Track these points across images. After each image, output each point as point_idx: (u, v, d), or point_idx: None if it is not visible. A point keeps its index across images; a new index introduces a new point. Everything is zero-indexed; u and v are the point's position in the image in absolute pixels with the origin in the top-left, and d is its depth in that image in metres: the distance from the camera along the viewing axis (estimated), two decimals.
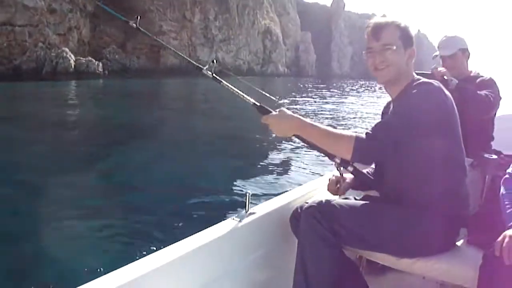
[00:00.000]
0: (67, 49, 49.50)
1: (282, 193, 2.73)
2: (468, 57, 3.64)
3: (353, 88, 56.63)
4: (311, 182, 2.97)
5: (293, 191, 2.76)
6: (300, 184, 2.97)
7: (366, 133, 2.05)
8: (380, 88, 49.93)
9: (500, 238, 1.84)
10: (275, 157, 9.50)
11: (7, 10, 50.18)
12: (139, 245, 5.07)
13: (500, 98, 3.43)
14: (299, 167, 8.94)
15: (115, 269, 1.71)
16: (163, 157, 10.39)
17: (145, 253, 2.04)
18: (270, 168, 8.99)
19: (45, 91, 32.05)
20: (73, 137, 13.13)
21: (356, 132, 2.10)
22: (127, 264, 1.76)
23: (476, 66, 3.21)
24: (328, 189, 2.59)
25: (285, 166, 9.15)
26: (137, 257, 1.84)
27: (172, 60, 67.37)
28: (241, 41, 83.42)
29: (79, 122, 16.54)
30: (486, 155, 3.02)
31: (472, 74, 3.62)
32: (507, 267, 1.78)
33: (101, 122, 16.72)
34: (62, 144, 11.73)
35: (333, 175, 2.60)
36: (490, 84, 3.48)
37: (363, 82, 78.10)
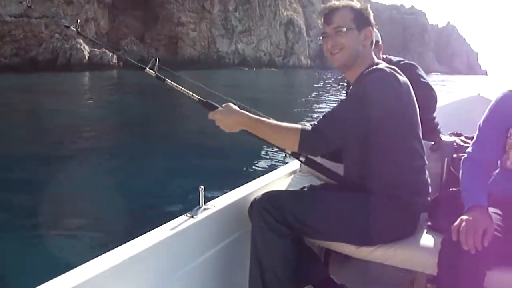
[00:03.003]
0: (81, 41, 49.53)
1: (239, 186, 2.64)
2: (382, 48, 3.45)
3: None
4: (268, 174, 2.91)
5: (250, 184, 2.70)
6: (257, 177, 2.85)
7: (312, 126, 2.05)
8: None
9: (457, 222, 1.85)
10: (230, 150, 9.29)
11: (24, 2, 50.50)
12: (88, 247, 4.95)
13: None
14: (255, 160, 8.72)
15: (63, 272, 1.65)
16: (113, 155, 10.10)
17: (95, 254, 1.82)
18: (225, 162, 8.82)
19: (51, 82, 32.14)
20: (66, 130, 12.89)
21: (303, 124, 2.09)
22: (76, 266, 1.69)
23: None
24: None
25: (241, 159, 9.01)
26: (87, 259, 1.75)
27: (191, 52, 67.26)
28: (262, 32, 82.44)
29: (74, 114, 16.35)
30: (444, 138, 2.97)
31: (385, 60, 3.28)
32: (466, 252, 1.78)
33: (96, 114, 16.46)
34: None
35: None
36: (413, 70, 3.33)
37: None
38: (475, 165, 2.15)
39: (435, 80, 65.17)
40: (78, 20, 3.16)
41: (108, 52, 49.90)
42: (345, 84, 3.33)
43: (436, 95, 3.30)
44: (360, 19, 2.17)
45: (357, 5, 2.19)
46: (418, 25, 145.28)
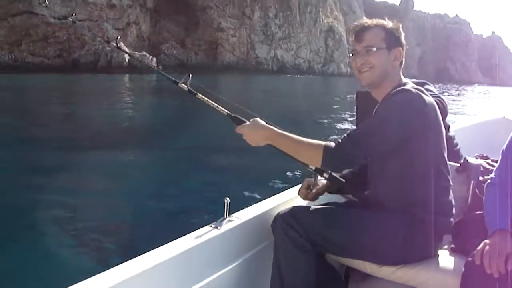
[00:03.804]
0: (121, 43, 50.26)
1: (263, 199, 2.66)
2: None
3: None
4: (293, 188, 2.87)
5: (274, 198, 2.72)
6: (282, 191, 2.87)
7: (336, 143, 2.08)
8: (458, 95, 48.54)
9: (480, 246, 1.86)
10: (256, 163, 9.08)
11: (68, 5, 52.04)
12: (115, 252, 4.93)
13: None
14: (280, 174, 8.50)
15: (88, 276, 1.69)
16: (141, 160, 10.11)
17: (120, 260, 1.84)
18: (251, 175, 8.75)
19: (89, 83, 32.72)
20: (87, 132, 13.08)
21: (327, 140, 2.13)
22: (100, 272, 1.72)
23: None
24: (299, 193, 2.61)
25: (266, 173, 8.77)
26: (110, 266, 1.77)
27: (230, 57, 67.68)
28: (301, 39, 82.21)
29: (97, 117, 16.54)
30: (470, 160, 2.89)
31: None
32: (489, 276, 1.79)
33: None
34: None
35: (305, 180, 2.61)
36: (424, 87, 3.00)
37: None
38: (498, 191, 2.14)
39: (473, 90, 63.50)
40: (119, 37, 3.65)
41: (148, 55, 50.48)
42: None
43: (446, 109, 3.20)
44: (391, 39, 2.19)
45: (389, 24, 2.20)
46: (461, 35, 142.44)
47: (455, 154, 3.32)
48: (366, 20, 2.23)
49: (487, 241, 1.88)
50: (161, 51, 59.94)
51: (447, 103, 3.18)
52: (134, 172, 8.79)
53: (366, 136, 2.08)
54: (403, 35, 2.25)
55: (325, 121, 17.74)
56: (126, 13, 56.81)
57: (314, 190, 2.56)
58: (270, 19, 75.83)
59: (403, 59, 2.25)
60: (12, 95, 23.93)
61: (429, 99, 2.13)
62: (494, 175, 2.20)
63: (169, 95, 23.50)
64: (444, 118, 3.01)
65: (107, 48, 49.08)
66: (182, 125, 15.78)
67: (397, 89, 2.15)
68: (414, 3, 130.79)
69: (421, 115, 2.08)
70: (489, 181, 2.22)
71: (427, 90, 2.98)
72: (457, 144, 3.55)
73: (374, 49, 2.15)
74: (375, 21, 2.21)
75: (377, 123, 2.10)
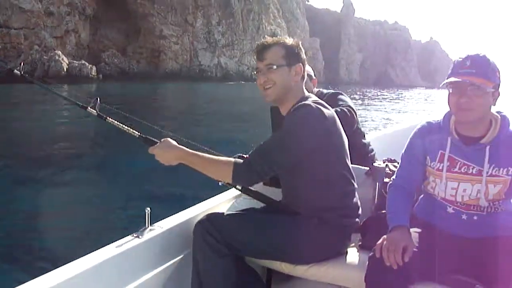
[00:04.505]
0: (59, 52, 49.19)
1: (185, 209, 2.73)
2: (316, 83, 3.73)
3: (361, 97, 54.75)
4: (213, 198, 3.01)
5: (195, 207, 2.79)
6: (202, 201, 2.95)
7: (244, 159, 2.23)
8: (399, 99, 49.51)
9: (380, 241, 2.04)
10: (176, 176, 9.20)
11: (3, 13, 50.40)
12: (31, 265, 4.90)
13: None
14: (200, 185, 8.56)
15: None
16: (58, 171, 10.21)
17: (39, 273, 1.85)
18: (172, 187, 8.85)
19: (21, 94, 31.68)
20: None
21: (236, 157, 2.32)
22: (20, 284, 1.72)
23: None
24: None
25: (187, 184, 8.79)
26: (32, 278, 1.80)
27: (173, 65, 67.20)
28: (245, 46, 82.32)
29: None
30: (376, 164, 3.15)
31: (317, 94, 3.67)
32: (388, 268, 1.95)
33: None
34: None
35: None
36: (338, 97, 3.59)
37: (370, 90, 76.00)
38: (398, 191, 2.36)
39: (412, 97, 65.25)
40: (22, 63, 3.57)
41: (87, 64, 49.52)
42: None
43: (355, 116, 3.43)
44: (291, 56, 2.31)
45: (289, 42, 2.34)
46: (401, 41, 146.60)
47: (369, 159, 3.65)
48: (267, 39, 2.36)
49: (385, 236, 2.07)
50: (101, 59, 58.75)
51: (356, 112, 3.43)
52: (55, 187, 8.75)
53: (271, 150, 2.22)
54: (303, 51, 2.37)
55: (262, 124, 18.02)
56: (65, 21, 55.34)
57: None
58: (213, 26, 75.77)
59: (305, 74, 2.39)
60: None
61: (328, 112, 2.29)
62: (396, 176, 2.43)
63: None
64: (353, 125, 3.46)
65: (45, 57, 47.82)
66: (102, 140, 15.69)
67: (299, 104, 2.28)
68: (354, 10, 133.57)
69: (321, 127, 2.22)
70: (391, 182, 2.43)
71: (340, 100, 3.53)
72: (372, 150, 3.85)
73: (274, 66, 2.29)
74: (275, 39, 2.34)
75: (280, 137, 2.24)
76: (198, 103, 30.74)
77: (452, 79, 2.09)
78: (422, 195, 2.44)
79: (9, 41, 48.83)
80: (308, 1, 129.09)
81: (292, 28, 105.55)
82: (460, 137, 2.20)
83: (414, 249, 2.04)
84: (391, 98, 53.00)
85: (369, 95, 57.25)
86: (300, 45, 2.37)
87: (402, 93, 72.18)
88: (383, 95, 60.10)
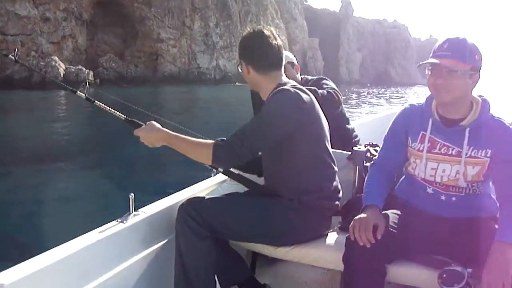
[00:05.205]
0: (56, 58, 49.05)
1: (169, 194, 2.78)
2: (298, 69, 3.81)
3: (363, 96, 54.34)
4: (199, 183, 3.05)
5: (180, 192, 2.84)
6: (186, 187, 3.00)
7: (224, 142, 2.29)
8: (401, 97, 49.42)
9: (352, 222, 2.12)
10: (160, 162, 9.58)
11: (0, 19, 50.12)
12: (18, 250, 5.14)
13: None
14: (183, 171, 9.01)
15: None
16: (41, 158, 10.71)
17: (21, 260, 1.86)
18: (157, 173, 9.24)
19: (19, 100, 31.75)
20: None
21: (216, 139, 2.36)
22: (4, 269, 1.76)
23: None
24: None
25: (173, 169, 9.20)
26: (15, 263, 1.81)
27: (171, 68, 67.03)
28: None
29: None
30: (357, 148, 3.19)
31: (302, 80, 3.80)
32: (363, 248, 2.03)
33: None
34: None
35: None
36: (322, 82, 3.66)
37: (373, 90, 75.71)
38: (378, 171, 2.44)
39: (416, 92, 65.07)
40: (16, 49, 3.63)
41: (84, 69, 49.33)
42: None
43: (340, 98, 3.51)
44: (239, 55, 2.61)
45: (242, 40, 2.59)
46: (401, 39, 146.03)
47: (353, 144, 3.68)
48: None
49: (356, 217, 2.14)
50: (99, 64, 58.64)
51: (340, 95, 3.50)
52: (37, 175, 9.17)
53: (250, 133, 2.29)
54: (247, 44, 2.55)
55: None
56: (61, 26, 55.16)
57: None
58: (211, 28, 75.50)
59: (269, 59, 2.51)
60: None
61: (307, 96, 2.39)
62: (377, 157, 2.52)
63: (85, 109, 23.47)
64: (338, 108, 3.55)
65: (41, 63, 47.69)
66: (86, 128, 16.93)
67: (277, 89, 2.40)
68: (353, 9, 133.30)
69: (299, 111, 2.31)
70: (372, 162, 2.53)
71: (325, 84, 3.63)
72: (356, 136, 3.97)
73: (239, 66, 2.60)
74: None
75: (259, 120, 2.34)
76: (197, 105, 30.89)
77: (429, 60, 2.18)
78: (403, 176, 2.50)
79: (5, 47, 48.57)
80: (306, 1, 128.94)
81: (291, 29, 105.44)
82: (441, 119, 2.26)
83: (392, 229, 2.14)
84: (390, 96, 52.87)
85: (367, 94, 57.10)
86: (243, 38, 2.57)
87: (400, 91, 72.12)
88: (383, 94, 59.96)
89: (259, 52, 2.50)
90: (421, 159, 2.28)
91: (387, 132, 2.47)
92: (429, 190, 2.30)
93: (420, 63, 2.20)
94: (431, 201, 2.30)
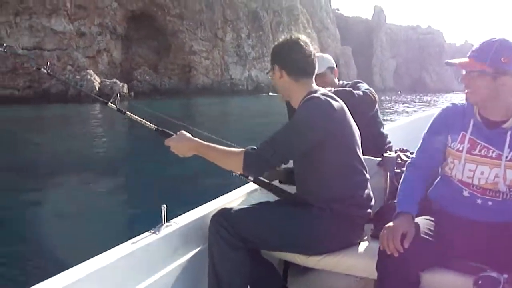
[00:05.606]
0: (91, 72, 50.03)
1: (200, 205, 2.79)
2: (337, 74, 3.83)
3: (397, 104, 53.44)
4: (230, 193, 3.07)
5: (212, 202, 2.86)
6: (217, 197, 3.01)
7: (254, 150, 2.28)
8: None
9: (382, 232, 2.07)
10: (192, 173, 9.57)
11: (36, 35, 51.66)
12: (49, 264, 5.14)
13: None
14: (214, 181, 8.93)
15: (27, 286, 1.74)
16: (74, 169, 10.79)
17: (56, 272, 1.89)
18: (189, 183, 9.23)
19: (57, 114, 32.54)
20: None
21: (247, 147, 2.32)
22: (37, 282, 1.77)
23: None
24: None
25: (204, 179, 9.23)
26: (50, 275, 1.84)
27: (204, 80, 67.56)
28: None
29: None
30: (387, 154, 3.14)
31: (340, 85, 3.78)
32: (396, 257, 1.98)
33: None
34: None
35: None
36: (358, 85, 3.65)
37: (408, 97, 74.53)
38: (415, 170, 2.37)
39: (451, 99, 63.59)
40: (48, 62, 3.78)
41: (118, 82, 50.13)
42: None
43: (376, 99, 3.51)
44: (272, 59, 2.55)
45: (275, 47, 2.55)
46: (435, 45, 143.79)
47: (386, 149, 3.60)
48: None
49: (386, 225, 2.10)
50: (134, 77, 59.60)
51: (376, 95, 3.49)
52: (71, 185, 9.24)
53: (280, 141, 2.29)
54: (282, 49, 2.51)
55: None
56: (96, 41, 56.49)
57: None
58: (243, 40, 75.93)
59: (304, 67, 2.48)
60: None
61: (338, 104, 2.37)
62: (415, 156, 2.44)
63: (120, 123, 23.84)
64: (372, 108, 3.54)
65: (77, 77, 48.72)
66: (118, 139, 17.03)
67: (307, 97, 2.39)
68: (386, 16, 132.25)
69: (329, 119, 2.30)
70: (409, 160, 2.46)
71: (359, 87, 3.58)
72: (389, 142, 3.90)
73: (267, 72, 2.62)
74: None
75: (290, 128, 2.33)
76: (230, 115, 31.04)
77: (452, 60, 2.20)
78: (438, 178, 2.42)
79: (43, 62, 49.88)
80: (338, 10, 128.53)
81: (323, 38, 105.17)
82: (483, 120, 2.21)
83: (425, 236, 2.09)
84: (424, 102, 51.97)
85: (399, 101, 56.25)
86: (279, 44, 2.53)
87: (435, 99, 70.80)
88: (414, 101, 59.13)
89: (295, 57, 2.49)
90: (460, 160, 2.23)
91: (427, 131, 2.40)
92: (465, 193, 2.23)
93: (446, 61, 2.24)
94: (466, 204, 2.23)
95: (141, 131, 2.94)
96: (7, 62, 49.20)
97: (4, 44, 3.46)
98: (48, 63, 3.53)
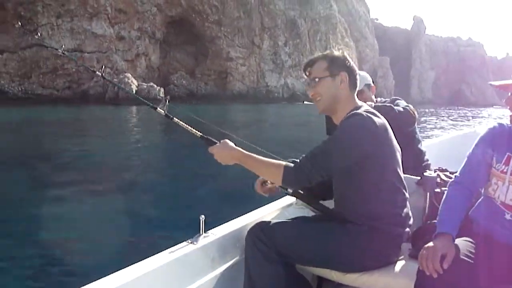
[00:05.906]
0: (129, 75, 50.84)
1: (237, 217, 2.79)
2: (374, 91, 3.84)
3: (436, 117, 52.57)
4: (266, 206, 3.05)
5: (248, 215, 2.86)
6: (255, 209, 2.98)
7: (295, 163, 2.30)
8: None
9: (421, 252, 2.03)
10: (230, 184, 9.28)
11: (77, 37, 52.82)
12: (92, 270, 4.77)
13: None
14: (252, 193, 8.72)
15: None
16: (113, 182, 10.49)
17: (97, 278, 1.92)
18: (226, 194, 9.02)
19: (96, 115, 33.12)
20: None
21: (288, 160, 2.39)
22: None
23: None
24: (255, 188, 2.80)
25: (241, 191, 8.58)
26: (88, 282, 1.85)
27: (240, 86, 67.90)
28: None
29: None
30: (427, 173, 3.11)
31: (377, 102, 3.77)
32: (434, 278, 1.94)
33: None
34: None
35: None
36: (397, 102, 3.65)
37: (444, 111, 73.06)
38: (459, 189, 2.30)
39: (491, 114, 62.29)
40: (103, 66, 3.85)
41: (155, 86, 50.74)
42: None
43: (415, 115, 3.50)
44: (333, 66, 2.40)
45: (333, 53, 2.44)
46: (475, 57, 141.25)
47: (424, 168, 3.61)
48: (314, 55, 2.48)
49: (426, 245, 2.04)
50: (170, 81, 60.36)
51: (415, 112, 3.49)
52: (109, 193, 9.13)
53: (321, 156, 2.26)
54: (350, 61, 2.44)
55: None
56: (135, 45, 57.49)
57: (268, 185, 2.74)
58: (280, 47, 76.13)
59: (356, 83, 2.46)
60: (22, 127, 24.58)
61: (380, 120, 2.32)
62: (459, 174, 2.36)
63: (159, 126, 24.04)
64: (411, 125, 3.56)
65: (115, 79, 49.53)
66: (162, 150, 16.42)
67: (351, 113, 2.34)
68: (425, 27, 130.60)
69: (371, 136, 2.26)
70: (453, 179, 2.38)
71: (398, 103, 3.61)
72: (427, 160, 3.87)
73: (317, 79, 2.40)
74: (320, 54, 2.45)
75: (331, 144, 2.29)
76: (266, 123, 31.04)
77: (494, 82, 2.17)
78: (481, 198, 2.35)
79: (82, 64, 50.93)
80: (377, 20, 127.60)
81: (361, 47, 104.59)
82: None
83: (465, 258, 2.02)
84: (461, 117, 50.91)
85: (437, 114, 55.22)
86: (345, 55, 2.46)
87: (474, 111, 69.26)
88: (453, 115, 57.91)
89: (354, 69, 2.48)
90: (504, 182, 2.16)
91: (472, 150, 2.34)
92: (507, 216, 2.16)
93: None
94: (508, 228, 2.16)
95: (181, 136, 2.95)
96: (47, 63, 50.44)
97: (62, 46, 3.63)
98: (103, 67, 3.66)
